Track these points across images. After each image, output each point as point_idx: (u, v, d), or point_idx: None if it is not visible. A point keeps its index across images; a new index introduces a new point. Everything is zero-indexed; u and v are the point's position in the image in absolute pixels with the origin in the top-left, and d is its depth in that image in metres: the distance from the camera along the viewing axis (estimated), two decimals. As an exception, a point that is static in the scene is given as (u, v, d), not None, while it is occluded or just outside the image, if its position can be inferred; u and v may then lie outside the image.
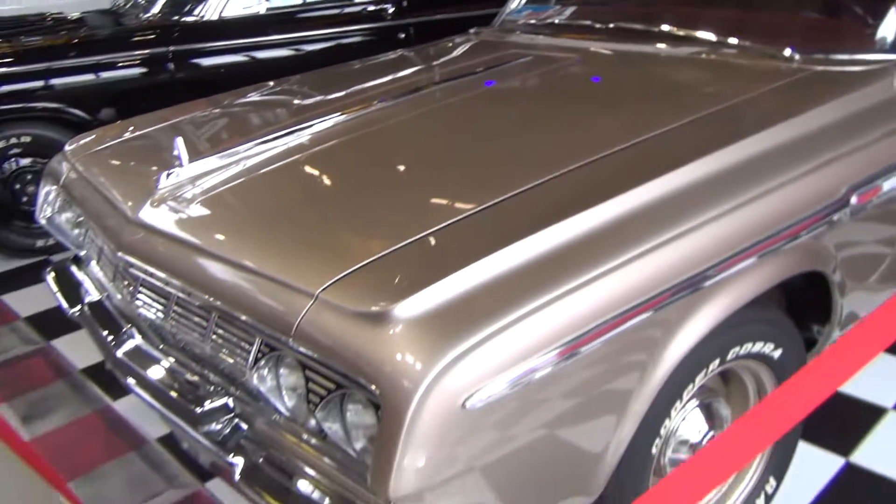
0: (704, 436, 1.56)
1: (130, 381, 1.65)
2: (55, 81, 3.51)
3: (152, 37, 3.68)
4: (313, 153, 1.73)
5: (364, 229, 1.36)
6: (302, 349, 1.18)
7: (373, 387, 1.06)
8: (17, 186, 3.60)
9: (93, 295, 1.99)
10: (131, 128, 2.13)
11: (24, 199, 3.61)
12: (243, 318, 1.29)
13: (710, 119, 1.67)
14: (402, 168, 1.64)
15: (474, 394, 1.05)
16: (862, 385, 2.26)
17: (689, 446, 1.57)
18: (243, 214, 1.54)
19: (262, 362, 1.28)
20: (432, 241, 1.26)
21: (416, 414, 1.02)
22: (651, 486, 1.51)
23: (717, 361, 1.46)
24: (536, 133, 1.74)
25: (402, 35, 4.10)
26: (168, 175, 1.62)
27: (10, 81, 3.44)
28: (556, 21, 2.56)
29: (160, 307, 1.52)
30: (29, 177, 3.60)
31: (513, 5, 2.79)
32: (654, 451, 1.42)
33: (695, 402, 1.57)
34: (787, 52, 1.95)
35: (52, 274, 2.22)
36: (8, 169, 3.58)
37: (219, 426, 1.44)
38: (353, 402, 1.18)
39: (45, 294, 3.26)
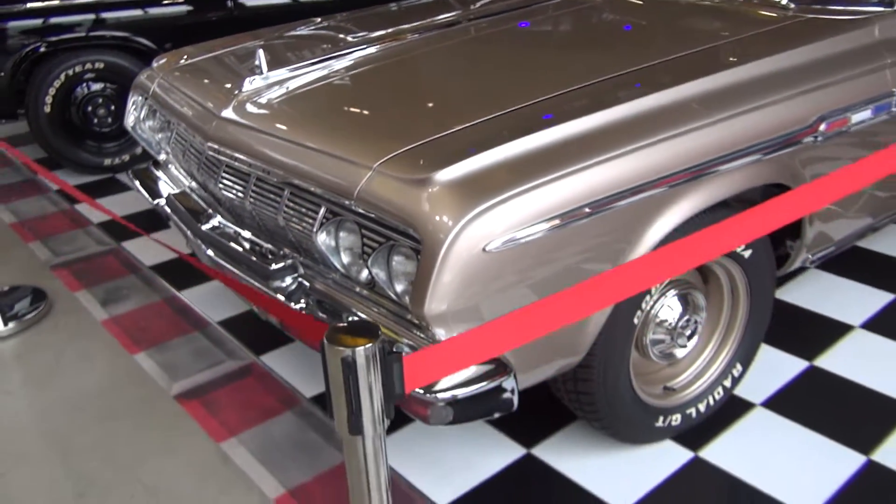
0: (679, 318, 1.88)
1: (211, 252, 2.01)
2: (125, 13, 3.84)
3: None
4: (367, 68, 2.06)
5: (411, 122, 1.69)
6: (360, 210, 1.51)
7: (417, 234, 1.39)
8: (89, 109, 3.96)
9: (173, 189, 2.35)
10: (210, 49, 2.47)
11: (95, 120, 3.98)
12: (313, 189, 1.63)
13: (709, 51, 1.97)
14: (442, 81, 1.95)
15: (492, 241, 1.38)
16: (829, 305, 2.57)
17: (666, 328, 1.89)
18: (313, 110, 1.86)
19: (326, 226, 1.62)
20: (465, 131, 1.58)
21: (447, 252, 1.35)
22: (631, 357, 1.84)
23: (693, 252, 1.77)
24: (555, 60, 2.05)
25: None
26: (251, 81, 1.96)
27: (85, 11, 3.78)
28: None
29: (240, 188, 1.86)
30: (100, 100, 3.97)
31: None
32: (636, 321, 1.75)
33: (674, 290, 1.88)
34: (784, 1, 2.23)
35: (135, 176, 2.58)
36: (81, 93, 3.94)
37: (286, 283, 1.80)
38: (397, 254, 1.51)
39: (113, 203, 3.66)
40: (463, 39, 2.25)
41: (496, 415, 1.57)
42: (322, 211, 1.63)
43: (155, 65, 2.48)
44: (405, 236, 1.45)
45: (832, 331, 2.45)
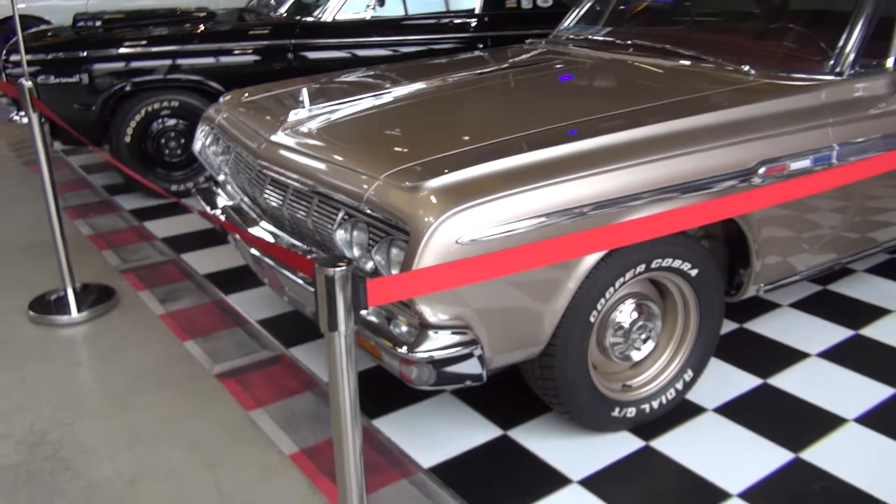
0: (633, 324, 2.24)
1: (255, 251, 2.46)
2: (200, 60, 4.43)
3: (278, 31, 4.58)
4: (390, 107, 2.52)
5: (416, 146, 2.12)
6: (368, 211, 1.94)
7: (407, 228, 1.81)
8: (162, 141, 4.53)
9: (228, 202, 2.82)
10: (268, 89, 2.97)
11: (167, 151, 4.55)
12: (334, 196, 2.07)
13: (678, 102, 2.37)
14: (446, 117, 2.40)
15: (463, 236, 1.78)
16: (792, 336, 2.88)
17: (622, 332, 2.24)
18: (342, 136, 2.31)
19: (343, 225, 2.05)
20: (455, 155, 2.00)
21: (428, 242, 1.76)
22: (591, 351, 2.20)
23: (643, 266, 2.13)
24: (554, 103, 2.48)
25: (481, 45, 4.88)
26: (296, 112, 2.44)
27: (165, 57, 4.37)
28: (587, 37, 3.29)
29: (280, 196, 2.31)
30: (172, 134, 4.53)
31: (561, 26, 3.55)
32: (591, 320, 2.11)
33: (632, 300, 2.25)
34: (746, 68, 2.63)
35: (198, 192, 3.07)
36: (156, 127, 4.52)
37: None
38: (395, 247, 1.93)
39: (177, 223, 4.19)
40: (467, 88, 2.70)
41: (468, 383, 1.96)
42: (340, 214, 2.06)
43: (221, 100, 2.99)
44: (400, 231, 1.86)
45: (790, 357, 2.76)
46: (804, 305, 3.14)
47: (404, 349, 1.86)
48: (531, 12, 5.07)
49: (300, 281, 2.23)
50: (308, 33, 4.58)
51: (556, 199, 1.92)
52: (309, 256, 2.24)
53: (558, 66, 2.98)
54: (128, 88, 4.34)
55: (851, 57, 2.57)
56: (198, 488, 2.15)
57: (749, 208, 1.82)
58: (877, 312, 3.08)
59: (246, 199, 2.70)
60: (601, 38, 3.28)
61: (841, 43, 2.60)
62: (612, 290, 2.11)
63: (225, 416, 2.48)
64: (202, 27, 4.61)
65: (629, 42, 3.11)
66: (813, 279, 3.36)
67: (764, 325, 2.98)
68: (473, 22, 4.91)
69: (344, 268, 1.23)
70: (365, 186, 1.97)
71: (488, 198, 1.84)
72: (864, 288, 3.29)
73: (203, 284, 3.46)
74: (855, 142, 2.48)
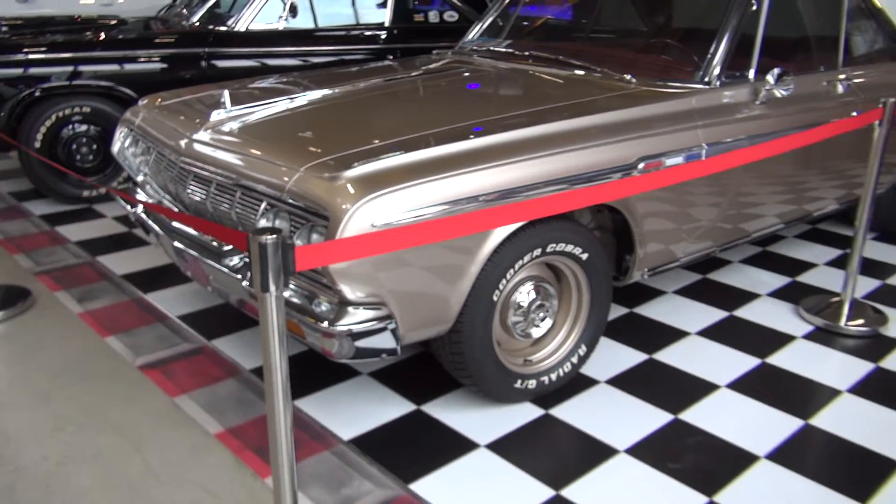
0: (532, 303, 2.49)
1: (179, 244, 2.58)
2: (112, 66, 4.47)
3: (192, 39, 4.67)
4: (310, 107, 2.71)
5: (333, 141, 2.30)
6: (290, 200, 2.11)
7: (327, 214, 1.99)
8: (74, 147, 4.54)
9: (150, 199, 2.93)
10: (181, 94, 3.10)
11: (79, 157, 4.55)
12: (257, 187, 2.23)
13: (568, 106, 2.64)
14: (361, 117, 2.59)
15: (377, 220, 1.98)
16: (675, 317, 3.21)
17: (522, 311, 2.49)
18: (262, 133, 2.47)
19: (265, 215, 2.22)
20: (369, 149, 2.20)
21: (345, 226, 1.95)
22: (495, 329, 2.43)
23: (539, 250, 2.39)
24: (458, 106, 2.71)
25: (391, 56, 5.11)
26: (217, 113, 2.58)
27: (78, 63, 4.39)
28: (489, 49, 3.57)
29: (204, 190, 2.45)
30: (84, 140, 4.54)
31: (466, 38, 3.82)
32: (494, 299, 2.34)
33: (531, 282, 2.50)
34: (628, 77, 2.94)
35: (116, 192, 3.14)
36: (68, 133, 4.52)
37: (234, 262, 2.37)
38: (315, 233, 2.11)
39: (90, 227, 4.22)
40: (379, 92, 2.92)
41: (384, 356, 2.15)
42: (263, 205, 2.23)
43: (140, 103, 3.09)
44: (320, 217, 2.05)
45: (673, 335, 3.07)
46: (686, 292, 3.49)
47: (325, 324, 2.04)
48: (439, 26, 5.34)
49: (224, 269, 2.37)
50: (221, 42, 4.69)
51: (461, 189, 2.14)
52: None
53: (463, 73, 3.23)
54: (37, 94, 4.34)
55: (718, 68, 2.92)
56: (127, 467, 2.25)
57: (616, 196, 2.10)
58: (748, 296, 3.46)
59: (167, 196, 2.82)
60: (502, 50, 3.56)
61: (708, 56, 2.95)
62: (511, 271, 2.35)
63: (149, 402, 2.58)
64: (112, 33, 4.64)
65: (527, 53, 3.39)
66: (694, 268, 3.72)
67: (651, 310, 3.30)
68: (383, 34, 5.13)
69: (275, 237, 1.41)
70: (286, 178, 2.14)
71: (399, 186, 2.04)
72: (738, 276, 3.67)
73: (121, 284, 3.52)
74: (721, 142, 2.82)
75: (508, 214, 1.82)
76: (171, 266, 3.69)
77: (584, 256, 2.53)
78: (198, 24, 4.86)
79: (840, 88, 3.42)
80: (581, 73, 3.10)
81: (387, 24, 5.16)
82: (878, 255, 4.01)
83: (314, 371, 2.77)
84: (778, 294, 3.49)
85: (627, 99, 2.76)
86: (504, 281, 2.36)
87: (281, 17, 4.83)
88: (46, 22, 5.42)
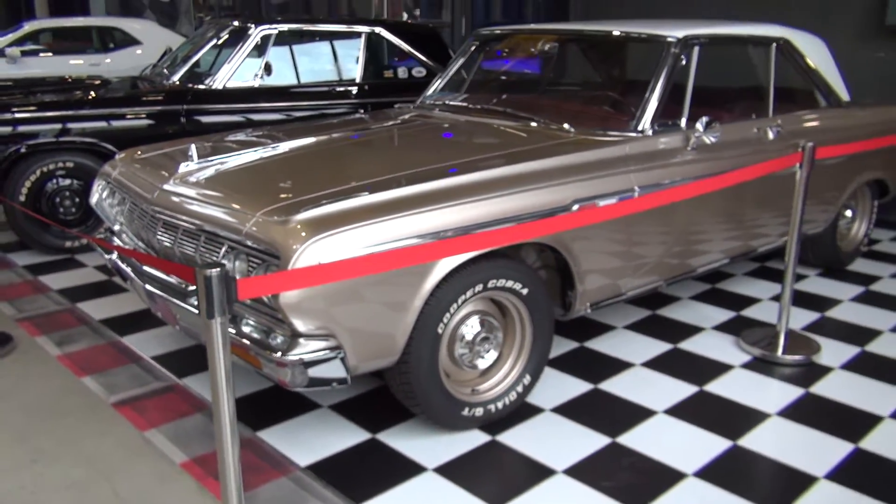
0: (476, 335, 2.68)
1: (150, 287, 2.78)
2: (96, 124, 4.72)
3: (171, 97, 4.93)
4: (273, 158, 2.95)
5: (288, 189, 2.53)
6: (248, 242, 2.33)
7: (279, 256, 2.20)
8: (57, 200, 4.75)
9: (126, 245, 3.13)
10: (157, 148, 3.33)
11: (62, 210, 4.76)
12: (219, 232, 2.44)
13: (511, 153, 2.89)
14: (318, 167, 2.82)
15: (323, 259, 2.19)
16: (623, 350, 3.41)
17: (466, 343, 2.68)
18: (225, 182, 2.70)
19: (226, 257, 2.42)
20: (320, 196, 2.43)
21: (294, 264, 2.16)
22: (442, 360, 2.62)
23: (480, 285, 2.60)
24: (411, 155, 2.95)
25: (362, 110, 5.38)
26: (185, 165, 2.81)
27: (60, 121, 4.64)
28: (446, 103, 3.84)
29: (172, 236, 2.66)
30: (67, 193, 4.76)
31: (426, 93, 4.10)
32: (439, 331, 2.54)
33: (476, 317, 2.70)
34: (567, 126, 3.20)
35: (94, 241, 3.35)
36: (51, 187, 4.74)
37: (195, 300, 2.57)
38: (269, 272, 2.31)
39: (71, 276, 4.40)
40: (338, 144, 3.16)
41: (335, 385, 2.34)
42: (224, 248, 2.44)
43: (117, 157, 3.32)
44: (273, 257, 2.26)
45: (619, 367, 3.27)
46: (635, 326, 3.69)
47: (279, 354, 2.23)
48: (408, 81, 5.64)
49: (191, 308, 2.57)
50: (199, 99, 4.95)
51: (403, 230, 2.36)
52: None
53: (417, 125, 3.48)
54: (23, 150, 4.57)
55: (649, 118, 3.19)
56: (97, 495, 2.41)
57: (539, 234, 2.34)
58: (693, 330, 3.67)
59: (140, 243, 3.02)
60: (457, 104, 3.83)
61: (640, 107, 3.21)
62: (455, 305, 2.56)
63: (121, 436, 2.75)
64: (97, 92, 4.90)
65: (479, 107, 3.66)
66: (643, 304, 3.93)
67: (600, 343, 3.50)
68: (354, 90, 5.42)
69: (218, 269, 1.61)
70: (244, 222, 2.36)
71: (345, 228, 2.26)
72: (685, 311, 3.89)
73: (99, 329, 3.70)
74: (654, 185, 3.06)
75: (437, 250, 2.03)
76: (146, 311, 3.88)
77: (525, 292, 2.74)
78: (178, 82, 5.13)
79: (770, 135, 3.69)
80: (525, 124, 3.35)
81: (358, 81, 5.45)
82: (819, 290, 4.24)
83: (277, 405, 2.94)
84: (721, 327, 3.70)
85: (564, 147, 3.01)
86: (448, 315, 2.56)
87: (256, 75, 5.12)
88: (37, 82, 5.69)
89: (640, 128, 3.18)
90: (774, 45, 3.82)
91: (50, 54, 9.01)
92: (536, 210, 2.68)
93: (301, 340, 2.25)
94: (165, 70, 5.44)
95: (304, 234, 2.22)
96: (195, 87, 5.01)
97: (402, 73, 5.67)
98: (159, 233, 2.73)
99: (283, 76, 5.22)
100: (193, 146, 2.88)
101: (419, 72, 5.69)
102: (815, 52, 4.08)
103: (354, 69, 5.48)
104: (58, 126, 4.61)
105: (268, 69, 5.12)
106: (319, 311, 2.24)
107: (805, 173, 3.23)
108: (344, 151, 3.07)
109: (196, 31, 6.17)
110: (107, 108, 4.72)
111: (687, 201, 3.23)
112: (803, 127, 3.87)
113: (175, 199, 2.69)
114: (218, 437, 1.75)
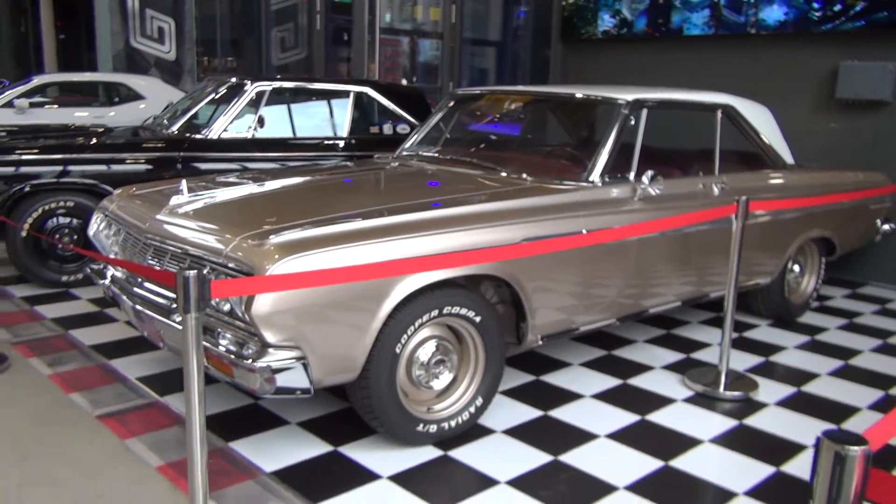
0: (430, 358, 2.96)
1: (139, 306, 3.06)
2: (97, 167, 5.06)
3: (169, 145, 5.29)
4: (257, 194, 3.27)
5: (266, 219, 2.84)
6: (229, 264, 2.63)
7: (253, 273, 2.50)
8: (56, 236, 5.06)
9: (119, 273, 3.43)
10: (152, 186, 3.66)
11: (60, 246, 5.06)
12: (202, 255, 2.74)
13: (471, 196, 3.22)
14: (294, 201, 3.14)
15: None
16: (577, 383, 3.67)
17: (422, 364, 2.96)
18: (210, 213, 3.01)
19: (208, 275, 2.72)
20: (294, 225, 2.74)
21: (267, 281, 2.46)
22: (400, 379, 2.89)
23: (436, 311, 2.88)
24: (383, 194, 3.27)
25: (349, 162, 5.75)
26: (176, 198, 3.13)
27: (67, 164, 4.98)
28: (419, 153, 4.20)
29: (160, 260, 2.96)
30: (66, 230, 5.07)
31: (405, 145, 4.47)
32: (397, 351, 2.82)
33: (433, 341, 2.98)
34: (524, 175, 3.55)
35: (91, 270, 3.65)
36: (52, 224, 5.05)
37: (179, 317, 2.85)
38: (245, 290, 2.61)
39: (66, 307, 4.66)
40: (318, 183, 3.50)
41: (299, 394, 2.61)
42: (206, 269, 2.73)
43: (114, 193, 3.65)
44: (248, 275, 2.55)
45: (570, 398, 3.53)
46: (590, 364, 3.96)
47: (249, 361, 2.50)
48: (392, 137, 6.02)
49: (174, 325, 2.84)
50: (196, 148, 5.31)
51: (367, 256, 2.66)
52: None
53: (393, 170, 3.83)
54: (27, 189, 4.90)
55: (599, 170, 3.53)
56: (81, 493, 2.64)
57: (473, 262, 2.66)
58: (643, 368, 3.94)
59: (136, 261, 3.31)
60: (431, 155, 4.18)
61: (592, 161, 3.56)
62: (412, 328, 2.84)
63: (104, 444, 2.99)
64: (98, 138, 5.27)
65: (450, 157, 4.02)
66: (599, 344, 4.21)
67: (555, 377, 3.77)
68: (342, 143, 5.80)
69: (195, 272, 1.91)
70: (225, 245, 2.66)
71: (312, 252, 2.56)
72: (639, 352, 4.17)
73: (88, 353, 3.95)
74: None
75: (391, 268, 2.34)
76: (134, 338, 4.13)
77: (478, 319, 3.02)
78: (176, 132, 5.50)
79: (716, 191, 4.04)
80: (489, 173, 3.70)
81: (345, 135, 5.84)
82: (767, 338, 4.53)
83: (249, 420, 3.19)
84: (670, 367, 3.98)
85: (521, 192, 3.35)
86: (405, 336, 2.84)
87: (250, 127, 5.49)
88: (41, 129, 6.06)
89: (590, 178, 3.52)
90: (720, 110, 4.21)
91: (55, 106, 9.46)
92: (489, 245, 2.99)
93: (270, 350, 2.53)
94: (165, 121, 5.82)
95: (276, 255, 2.52)
96: (192, 136, 5.37)
97: (387, 129, 6.06)
98: (149, 257, 3.03)
99: (275, 129, 5.60)
100: (184, 182, 3.20)
101: (403, 129, 6.08)
102: (760, 119, 4.47)
103: (343, 124, 5.86)
104: (60, 168, 4.95)
105: (261, 122, 5.50)
106: (288, 325, 2.52)
107: (740, 224, 3.56)
108: (322, 190, 3.40)
109: (196, 87, 6.59)
110: (108, 152, 5.07)
111: (635, 246, 3.55)
112: (747, 185, 4.22)
113: (165, 227, 3.00)
114: (188, 425, 2.02)
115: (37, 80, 9.45)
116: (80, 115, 9.37)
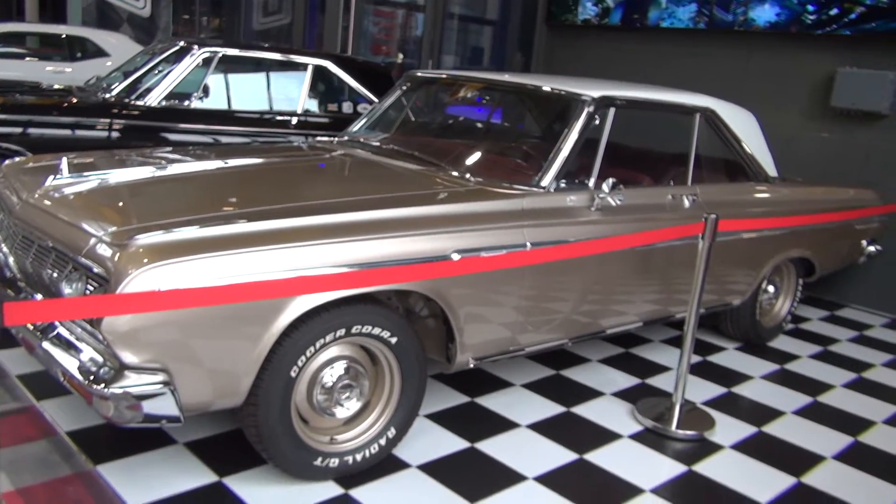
0: (336, 381, 2.56)
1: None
2: (28, 130, 4.60)
3: (104, 110, 4.83)
4: (150, 179, 2.85)
5: (145, 213, 2.42)
6: (86, 262, 2.20)
7: (113, 281, 2.08)
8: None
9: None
10: (49, 158, 3.22)
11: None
12: (65, 252, 2.32)
13: (398, 197, 2.80)
14: (192, 190, 2.72)
15: (161, 286, 2.08)
16: (514, 411, 3.28)
17: (325, 389, 2.55)
18: (83, 202, 2.58)
19: (69, 277, 2.30)
20: (168, 223, 2.31)
21: (123, 290, 2.04)
22: (299, 405, 2.49)
23: (343, 330, 2.48)
24: (285, 188, 2.85)
25: (303, 139, 5.31)
26: (53, 178, 2.69)
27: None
28: (359, 140, 3.78)
29: (27, 249, 2.54)
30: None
31: (352, 129, 4.04)
32: (293, 374, 2.41)
33: (343, 362, 2.57)
34: (468, 176, 3.13)
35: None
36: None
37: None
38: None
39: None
40: (228, 170, 3.07)
41: (165, 423, 2.20)
42: (68, 267, 2.31)
43: (3, 165, 3.20)
44: (107, 282, 2.13)
45: (504, 426, 3.14)
46: (534, 385, 3.58)
47: (101, 385, 2.09)
48: (351, 116, 5.57)
49: (47, 344, 2.41)
50: (129, 116, 4.86)
51: (258, 266, 2.24)
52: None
53: (323, 160, 3.40)
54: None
55: (553, 175, 3.12)
56: None
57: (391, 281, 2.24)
58: (592, 394, 3.56)
59: (11, 259, 2.89)
60: (374, 143, 3.75)
61: (546, 163, 3.15)
62: (312, 349, 2.44)
63: (-48, 457, 2.58)
64: (18, 97, 4.81)
65: (391, 148, 3.58)
66: (549, 363, 3.82)
67: (492, 400, 3.38)
68: (294, 120, 5.35)
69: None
70: (85, 243, 2.24)
71: (185, 258, 2.14)
72: (590, 374, 3.78)
73: (12, 387, 3.52)
74: (547, 242, 2.97)
75: (277, 289, 1.93)
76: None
77: (394, 340, 2.62)
78: (113, 97, 5.03)
79: (686, 203, 3.64)
80: (429, 169, 3.27)
81: (298, 112, 5.39)
82: (732, 364, 4.16)
83: (127, 438, 2.78)
84: (621, 394, 3.60)
85: (457, 196, 2.93)
86: (304, 358, 2.43)
87: (194, 95, 5.04)
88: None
89: (542, 183, 3.11)
90: (699, 114, 3.79)
91: (13, 59, 8.92)
92: (410, 257, 2.58)
93: (126, 373, 2.12)
94: (104, 84, 5.36)
95: (145, 259, 2.11)
96: (130, 101, 4.92)
97: (346, 107, 5.62)
98: (18, 247, 2.60)
99: (220, 100, 5.14)
100: (65, 159, 2.76)
101: (364, 108, 5.64)
102: (743, 125, 4.06)
103: (296, 100, 5.41)
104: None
105: (205, 91, 5.05)
106: (150, 343, 2.11)
107: (707, 244, 3.16)
108: (228, 179, 2.97)
109: (146, 48, 6.11)
110: (23, 114, 4.61)
111: (592, 260, 3.15)
112: (721, 198, 3.82)
113: (34, 213, 2.57)
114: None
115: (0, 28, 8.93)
116: (37, 68, 8.85)
